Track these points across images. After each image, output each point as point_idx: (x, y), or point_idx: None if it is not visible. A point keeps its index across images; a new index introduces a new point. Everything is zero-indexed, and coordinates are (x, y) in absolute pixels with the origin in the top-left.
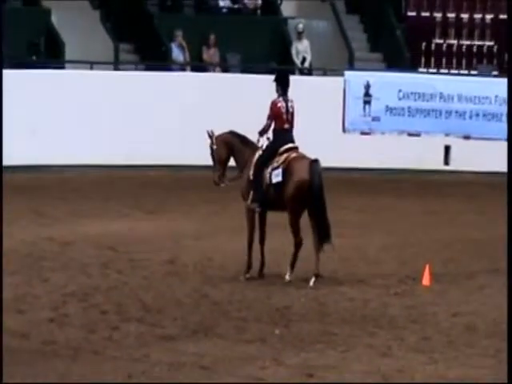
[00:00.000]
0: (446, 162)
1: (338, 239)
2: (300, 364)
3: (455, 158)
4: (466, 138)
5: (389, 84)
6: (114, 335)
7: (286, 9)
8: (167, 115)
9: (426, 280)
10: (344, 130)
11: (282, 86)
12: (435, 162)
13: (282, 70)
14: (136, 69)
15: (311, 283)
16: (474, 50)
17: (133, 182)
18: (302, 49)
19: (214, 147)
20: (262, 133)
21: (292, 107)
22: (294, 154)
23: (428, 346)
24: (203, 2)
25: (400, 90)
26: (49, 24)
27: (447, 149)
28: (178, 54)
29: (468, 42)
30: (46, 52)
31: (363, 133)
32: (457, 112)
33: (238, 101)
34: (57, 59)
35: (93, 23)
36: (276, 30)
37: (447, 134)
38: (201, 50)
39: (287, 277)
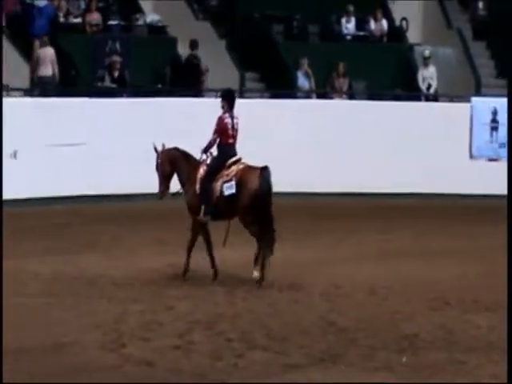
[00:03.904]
0: None
1: (464, 266)
2: None
3: None
4: None
5: None
6: (240, 363)
7: (412, 35)
8: (293, 142)
9: None
10: (471, 157)
11: (229, 103)
12: None
13: (228, 88)
14: (261, 97)
15: (255, 274)
16: None
17: None
18: (428, 75)
19: (159, 161)
20: (207, 149)
21: (237, 123)
22: (241, 166)
23: None
24: (328, 30)
25: None
26: (175, 53)
27: None
28: (303, 82)
29: None
30: (172, 80)
31: (490, 159)
32: None
33: (363, 127)
34: (181, 88)
35: (219, 52)
36: (402, 57)
37: None
38: (326, 77)
39: (256, 274)
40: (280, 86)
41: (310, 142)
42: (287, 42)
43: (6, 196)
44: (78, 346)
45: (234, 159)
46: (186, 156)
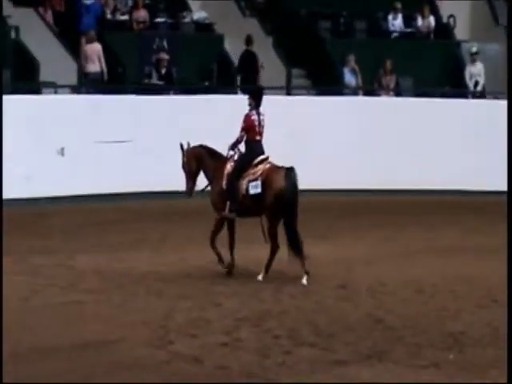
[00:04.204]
0: None
1: None
2: None
3: None
4: None
5: None
6: (287, 360)
7: (460, 32)
8: (339, 140)
9: None
10: None
11: (256, 100)
12: None
13: (257, 85)
14: (308, 94)
15: (304, 281)
16: None
17: (301, 208)
18: (475, 72)
19: (185, 159)
20: (234, 146)
21: (263, 120)
22: (268, 165)
23: None
24: (375, 27)
25: None
26: (222, 50)
27: None
28: (350, 79)
29: None
30: (218, 78)
31: None
32: None
33: (410, 125)
34: (228, 86)
35: (266, 49)
36: (449, 54)
37: None
38: (373, 74)
39: (260, 277)
40: (326, 83)
41: (356, 140)
42: (334, 38)
43: (52, 193)
44: (126, 342)
45: (261, 158)
46: (212, 153)
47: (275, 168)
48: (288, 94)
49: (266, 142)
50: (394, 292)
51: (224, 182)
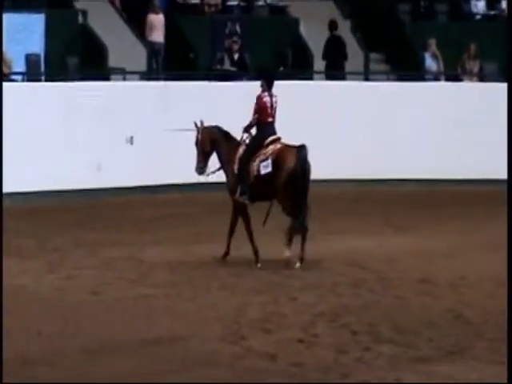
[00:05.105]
0: None
1: None
2: None
3: None
4: None
5: None
6: (365, 357)
7: None
8: (420, 127)
9: None
10: None
11: (267, 82)
12: None
13: (268, 67)
14: (387, 79)
15: (297, 266)
16: None
17: (380, 198)
18: None
19: (199, 137)
20: (248, 128)
21: (276, 102)
22: (279, 145)
23: None
24: (457, 9)
25: None
26: (297, 34)
27: None
28: (431, 64)
29: None
30: (294, 63)
31: None
32: None
33: (495, 111)
34: (305, 70)
35: (343, 33)
36: None
37: None
38: (455, 58)
39: (287, 253)
40: (406, 68)
41: (437, 127)
42: (414, 21)
43: (121, 183)
44: (197, 338)
45: (272, 138)
46: (226, 136)
47: (286, 147)
48: (366, 79)
49: (342, 129)
50: (475, 286)
51: (235, 167)
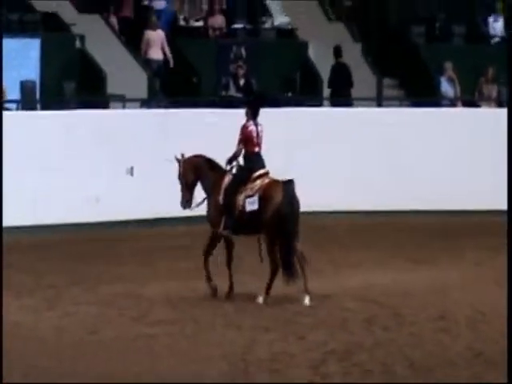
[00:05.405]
0: None
1: None
2: None
3: None
4: None
5: None
6: None
7: None
8: (435, 155)
9: None
10: None
11: (253, 110)
12: None
13: (257, 94)
14: (401, 105)
15: (306, 302)
16: None
17: (392, 228)
18: None
19: (181, 170)
20: (232, 160)
21: (261, 131)
22: (267, 180)
23: None
24: (475, 30)
25: None
26: (306, 58)
27: None
28: (447, 89)
29: None
30: (302, 88)
31: None
32: None
33: None
34: (314, 96)
35: (354, 57)
36: None
37: None
38: (473, 83)
39: (260, 299)
40: (421, 93)
41: (454, 154)
42: (429, 44)
43: (122, 217)
44: (201, 377)
45: (260, 172)
46: (211, 164)
47: (273, 182)
48: (379, 105)
49: (355, 156)
50: (494, 322)
51: (221, 197)
